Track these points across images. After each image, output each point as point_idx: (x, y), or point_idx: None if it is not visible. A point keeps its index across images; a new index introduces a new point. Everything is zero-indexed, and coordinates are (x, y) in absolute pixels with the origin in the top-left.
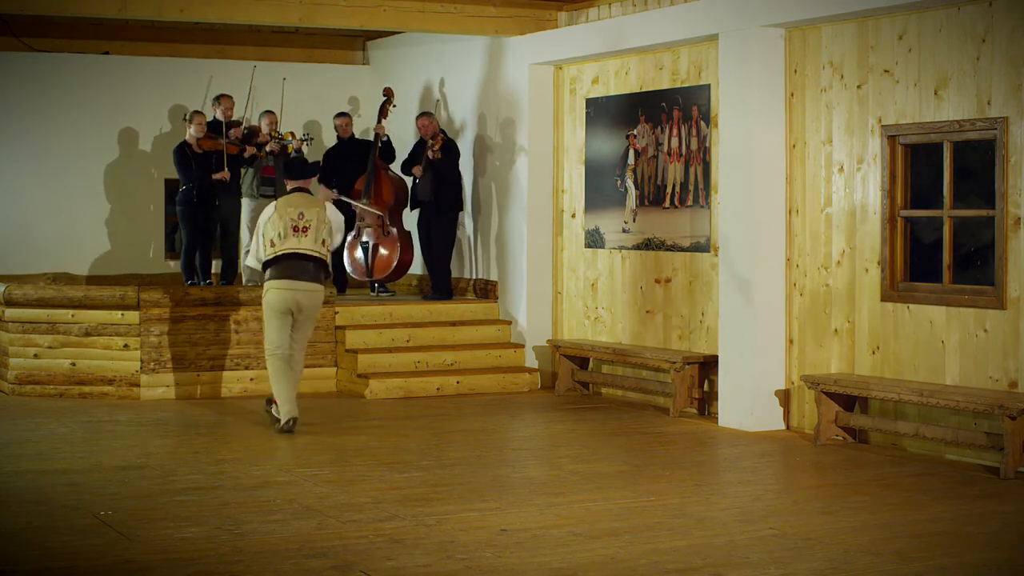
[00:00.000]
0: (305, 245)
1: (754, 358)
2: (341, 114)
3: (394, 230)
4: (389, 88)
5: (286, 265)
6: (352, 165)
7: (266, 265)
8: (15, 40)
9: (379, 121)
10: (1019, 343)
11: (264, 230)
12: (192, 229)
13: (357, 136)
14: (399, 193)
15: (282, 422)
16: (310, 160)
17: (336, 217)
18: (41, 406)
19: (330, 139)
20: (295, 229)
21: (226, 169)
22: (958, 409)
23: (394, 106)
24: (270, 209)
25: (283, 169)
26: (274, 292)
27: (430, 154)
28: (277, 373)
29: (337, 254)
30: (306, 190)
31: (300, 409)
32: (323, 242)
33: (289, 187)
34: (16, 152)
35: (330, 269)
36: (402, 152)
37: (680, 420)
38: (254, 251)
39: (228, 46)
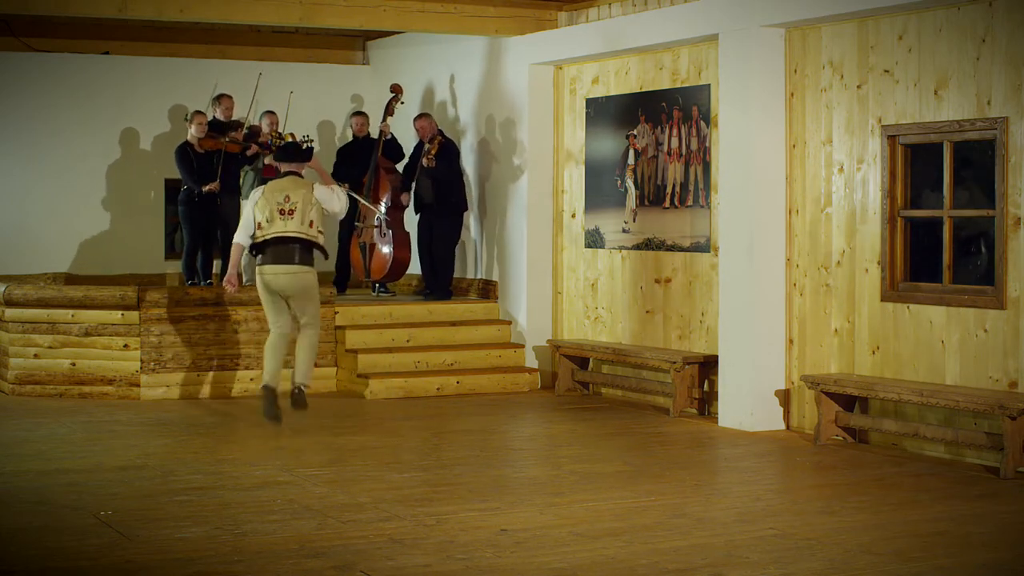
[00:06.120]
0: (291, 228)
1: (754, 358)
2: (358, 113)
3: (390, 232)
4: (397, 85)
5: (273, 249)
6: (362, 163)
7: (255, 248)
8: (15, 40)
9: (384, 119)
10: (1019, 343)
11: (252, 213)
12: (193, 229)
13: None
14: (400, 192)
15: (260, 387)
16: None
17: (320, 193)
18: (41, 406)
19: (329, 140)
20: (281, 212)
21: (217, 181)
22: (958, 409)
23: (402, 103)
24: (257, 192)
25: (276, 153)
26: (260, 276)
27: (425, 161)
28: (268, 346)
29: (343, 254)
30: (298, 174)
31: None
32: (310, 223)
33: (282, 170)
34: (16, 152)
35: (325, 249)
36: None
37: (680, 420)
38: (244, 230)
39: (228, 46)
